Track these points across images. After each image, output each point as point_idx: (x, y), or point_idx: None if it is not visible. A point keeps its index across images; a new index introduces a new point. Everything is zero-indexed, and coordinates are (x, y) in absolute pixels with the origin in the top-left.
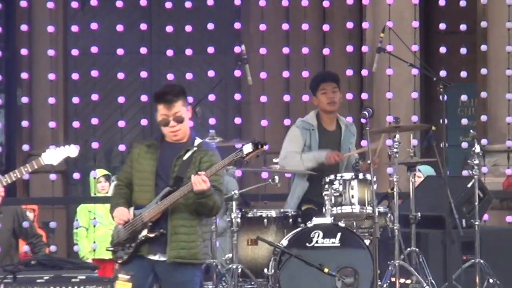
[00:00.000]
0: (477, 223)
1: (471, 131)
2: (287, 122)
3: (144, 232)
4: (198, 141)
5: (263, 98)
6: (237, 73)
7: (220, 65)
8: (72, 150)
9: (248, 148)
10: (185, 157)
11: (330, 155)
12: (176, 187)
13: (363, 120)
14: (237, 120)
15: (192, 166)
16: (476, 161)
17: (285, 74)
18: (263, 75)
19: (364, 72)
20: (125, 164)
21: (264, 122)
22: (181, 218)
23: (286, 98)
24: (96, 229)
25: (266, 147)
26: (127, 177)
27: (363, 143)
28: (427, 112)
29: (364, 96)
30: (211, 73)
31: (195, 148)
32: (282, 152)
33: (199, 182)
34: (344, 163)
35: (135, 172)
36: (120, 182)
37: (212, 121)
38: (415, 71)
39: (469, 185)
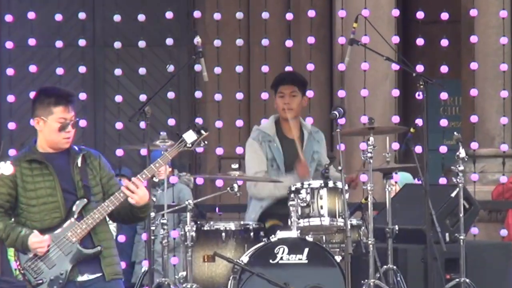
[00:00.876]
0: (462, 237)
1: (455, 133)
2: (240, 123)
3: (78, 254)
4: (75, 147)
5: (218, 96)
6: (197, 68)
7: (173, 58)
8: (7, 168)
9: (191, 136)
10: (79, 164)
11: (299, 170)
12: (87, 197)
13: (341, 121)
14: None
15: (94, 172)
16: (461, 167)
17: (239, 69)
18: (217, 70)
19: (341, 67)
20: (1, 187)
21: (218, 123)
22: (105, 230)
23: (240, 96)
24: None
25: (208, 132)
26: (9, 200)
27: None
28: (404, 112)
29: (341, 94)
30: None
31: (82, 153)
32: (248, 172)
33: (135, 190)
34: (312, 169)
35: (25, 193)
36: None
37: (164, 121)
38: (395, 66)
39: (452, 195)
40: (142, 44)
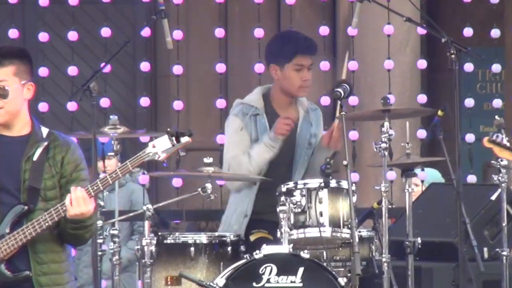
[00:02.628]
0: (505, 253)
1: (496, 117)
2: (221, 103)
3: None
4: (45, 130)
5: (183, 69)
6: (148, 32)
7: (125, 20)
8: None
9: (163, 143)
10: (35, 157)
11: (278, 124)
12: (33, 204)
13: (349, 102)
14: (145, 101)
15: (52, 170)
16: (504, 162)
17: (220, 32)
18: (186, 34)
19: (348, 31)
20: None
21: (186, 104)
22: (49, 250)
23: (221, 68)
24: None
25: (189, 140)
26: None
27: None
28: (430, 89)
29: (352, 65)
30: (106, 32)
31: (45, 143)
32: (225, 156)
33: (78, 202)
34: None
35: None
36: None
37: (109, 102)
38: (420, 31)
39: (493, 198)
40: (74, 1)
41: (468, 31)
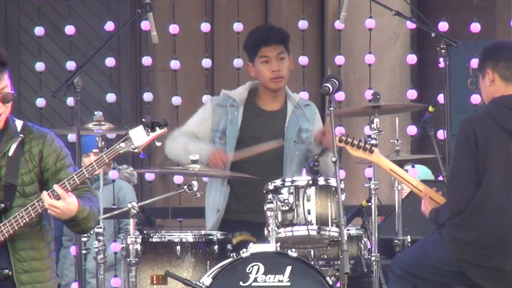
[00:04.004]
0: None
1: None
2: (206, 99)
3: None
4: (19, 123)
5: (175, 64)
6: (143, 25)
7: (109, 13)
8: None
9: (139, 133)
10: (10, 153)
11: (213, 155)
12: (9, 201)
13: (337, 97)
14: (133, 96)
15: (29, 164)
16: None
17: (206, 27)
18: (174, 29)
19: (336, 25)
20: None
21: (176, 100)
22: (29, 247)
23: (206, 63)
24: None
25: (165, 130)
26: None
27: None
28: (420, 85)
29: (339, 60)
30: (97, 24)
31: (20, 137)
32: (178, 129)
33: (56, 205)
34: (299, 153)
35: None
36: None
37: (99, 97)
38: (409, 24)
39: None
40: None
41: (456, 25)
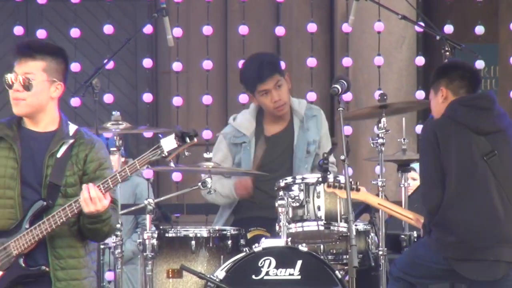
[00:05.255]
0: None
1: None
2: (206, 99)
3: (16, 271)
4: (73, 128)
5: (185, 65)
6: (151, 29)
7: (126, 17)
8: None
9: (169, 142)
10: (59, 154)
11: (237, 186)
12: (51, 200)
13: (345, 98)
14: (147, 97)
15: (74, 167)
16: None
17: (207, 30)
18: (186, 32)
19: (345, 28)
20: None
21: (187, 100)
22: (66, 245)
23: (207, 65)
24: None
25: (195, 140)
26: None
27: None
28: (425, 86)
29: (346, 62)
30: (109, 29)
31: (71, 140)
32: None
33: (92, 201)
34: (308, 165)
35: None
36: None
37: (113, 98)
38: (416, 28)
39: None
40: None
41: (461, 29)
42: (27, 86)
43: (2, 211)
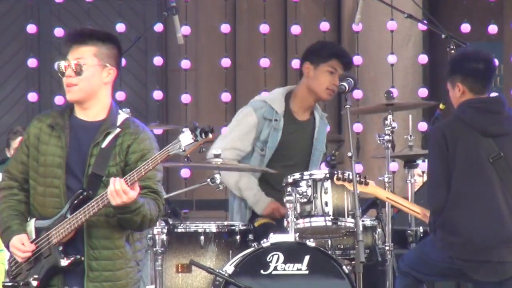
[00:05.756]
0: None
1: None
2: (226, 97)
3: (54, 259)
4: (122, 117)
5: (185, 64)
6: (161, 27)
7: (137, 16)
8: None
9: (186, 138)
10: (104, 144)
11: (271, 209)
12: (92, 190)
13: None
14: (158, 95)
15: (117, 158)
16: None
17: (225, 28)
18: (195, 30)
19: (356, 28)
20: (17, 151)
21: (195, 97)
22: (102, 236)
23: (227, 63)
24: None
25: (210, 136)
26: (23, 170)
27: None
28: (432, 83)
29: (356, 60)
30: (121, 27)
31: (117, 130)
32: (221, 139)
33: (118, 194)
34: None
35: (35, 163)
36: (11, 181)
37: (125, 95)
38: (420, 26)
39: None
40: None
41: (466, 27)
42: (78, 71)
43: (49, 200)
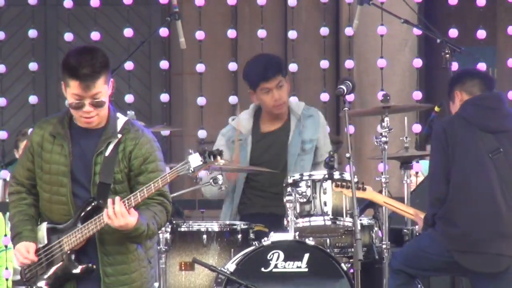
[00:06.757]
0: None
1: None
2: (233, 99)
3: (66, 267)
4: (121, 121)
5: (200, 67)
6: (165, 32)
7: (142, 21)
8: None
9: (195, 160)
10: (107, 152)
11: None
12: (103, 199)
13: (350, 98)
14: (164, 97)
15: (121, 164)
16: None
17: (231, 34)
18: (200, 35)
19: (349, 32)
20: (22, 157)
21: (201, 101)
22: (115, 242)
23: (232, 66)
24: None
25: (219, 159)
26: (29, 176)
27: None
28: (427, 87)
29: (349, 64)
30: (128, 32)
31: (118, 136)
32: None
33: (117, 215)
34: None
35: (39, 171)
36: (18, 186)
37: (130, 98)
38: (416, 31)
39: None
40: (95, 3)
41: (454, 32)
42: (99, 106)
43: (57, 207)
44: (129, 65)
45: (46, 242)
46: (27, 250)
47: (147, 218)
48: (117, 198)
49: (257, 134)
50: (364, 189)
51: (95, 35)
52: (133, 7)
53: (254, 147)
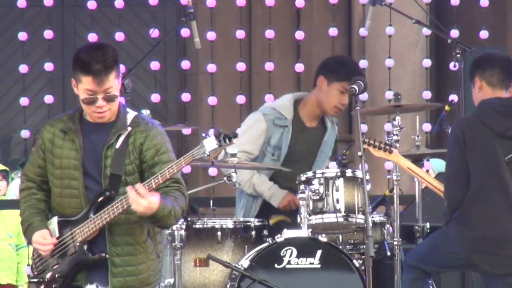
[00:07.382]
0: None
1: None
2: (241, 99)
3: (79, 257)
4: (131, 115)
5: (212, 67)
6: (186, 32)
7: (160, 21)
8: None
9: (210, 143)
10: (118, 145)
11: (287, 201)
12: (114, 190)
13: (362, 97)
14: (185, 97)
15: (131, 156)
16: None
17: (241, 34)
18: (211, 35)
19: (362, 32)
20: (33, 155)
21: (212, 100)
22: (123, 233)
23: (240, 67)
24: None
25: (235, 141)
26: (40, 173)
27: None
28: (437, 86)
29: (362, 64)
30: (154, 33)
31: (128, 129)
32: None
33: (139, 203)
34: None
35: (50, 166)
36: (29, 183)
37: (147, 96)
38: (426, 31)
39: None
40: (119, 3)
41: (455, 33)
42: (112, 100)
43: (69, 200)
44: (155, 65)
45: (57, 235)
46: (43, 237)
47: (171, 200)
48: (138, 184)
49: (300, 126)
50: (390, 151)
51: (119, 36)
52: (147, 8)
53: (295, 137)
